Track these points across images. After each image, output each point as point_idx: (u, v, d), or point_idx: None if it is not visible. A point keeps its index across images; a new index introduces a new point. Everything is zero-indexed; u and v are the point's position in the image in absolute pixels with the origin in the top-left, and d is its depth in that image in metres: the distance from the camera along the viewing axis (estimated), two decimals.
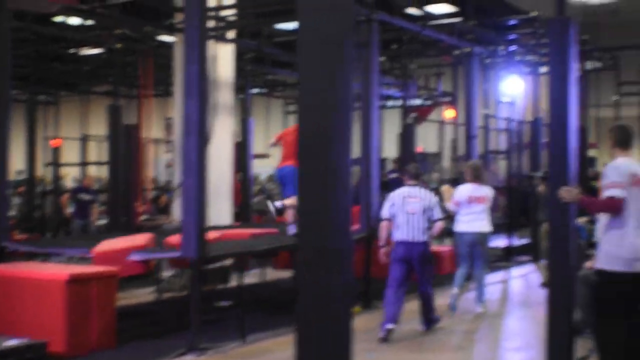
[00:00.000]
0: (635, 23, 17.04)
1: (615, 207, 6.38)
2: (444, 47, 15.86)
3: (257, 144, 20.77)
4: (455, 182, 14.64)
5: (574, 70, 7.51)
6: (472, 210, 10.59)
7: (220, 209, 13.66)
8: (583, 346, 7.81)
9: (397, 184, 19.06)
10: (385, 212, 9.40)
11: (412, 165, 9.97)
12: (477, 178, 10.74)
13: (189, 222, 8.30)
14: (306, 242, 4.62)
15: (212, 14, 13.56)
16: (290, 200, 10.37)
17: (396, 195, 9.38)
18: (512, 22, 18.30)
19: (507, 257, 15.81)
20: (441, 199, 10.86)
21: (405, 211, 9.22)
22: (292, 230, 10.55)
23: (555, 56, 7.45)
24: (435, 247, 14.73)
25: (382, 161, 24.70)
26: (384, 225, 9.41)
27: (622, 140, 6.57)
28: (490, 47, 16.19)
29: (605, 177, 6.50)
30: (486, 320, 10.49)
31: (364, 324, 9.81)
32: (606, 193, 6.45)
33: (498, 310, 11.17)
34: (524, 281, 13.59)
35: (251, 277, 13.47)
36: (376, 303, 11.10)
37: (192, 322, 8.32)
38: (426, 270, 9.32)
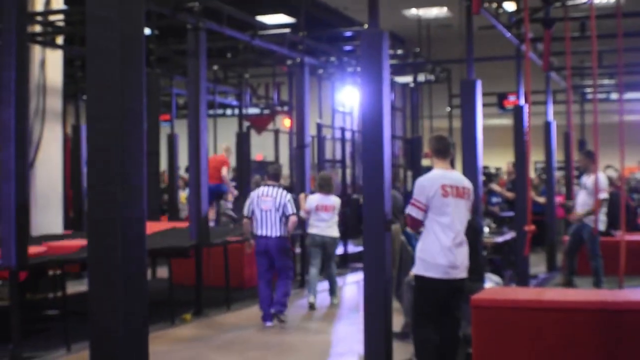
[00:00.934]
0: (463, 36, 17.70)
1: (412, 226, 6.74)
2: (280, 57, 15.98)
3: None
4: (288, 189, 14.80)
5: (387, 82, 7.71)
6: (321, 217, 11.72)
7: (50, 217, 13.34)
8: (407, 350, 8.05)
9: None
10: (245, 210, 10.57)
11: (271, 167, 11.02)
12: (324, 188, 11.82)
13: (7, 231, 8.07)
14: (96, 256, 4.57)
15: (39, 19, 13.22)
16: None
17: (254, 194, 10.56)
18: (346, 34, 18.71)
19: (343, 264, 16.05)
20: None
21: (260, 208, 10.32)
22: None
23: (367, 68, 7.64)
24: None
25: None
26: (245, 222, 10.58)
27: (439, 150, 6.81)
28: (322, 58, 16.42)
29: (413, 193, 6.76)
30: (316, 322, 10.72)
31: (195, 331, 10.02)
32: (407, 209, 6.73)
33: (330, 314, 11.36)
34: (358, 287, 13.83)
35: (85, 286, 13.18)
36: (208, 311, 11.12)
37: (13, 331, 8.14)
38: (283, 261, 10.35)
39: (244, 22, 13.60)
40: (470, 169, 10.55)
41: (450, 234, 6.52)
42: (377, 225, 7.53)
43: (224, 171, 15.90)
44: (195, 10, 11.13)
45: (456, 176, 6.74)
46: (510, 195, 15.84)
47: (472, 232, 7.81)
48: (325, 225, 11.75)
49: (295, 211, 10.39)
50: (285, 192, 10.49)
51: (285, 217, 10.30)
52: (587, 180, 12.06)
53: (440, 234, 6.54)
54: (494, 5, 12.65)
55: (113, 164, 4.52)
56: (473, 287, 7.64)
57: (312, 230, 11.85)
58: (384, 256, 7.54)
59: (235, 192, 14.04)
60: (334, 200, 11.89)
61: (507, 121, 27.68)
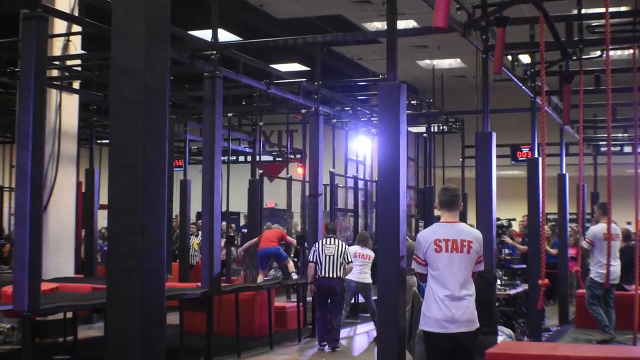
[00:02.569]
0: (478, 88, 17.82)
1: (420, 279, 6.74)
2: (294, 105, 16.09)
3: (103, 195, 20.38)
4: (302, 239, 14.82)
5: (404, 133, 7.77)
6: (358, 263, 13.15)
7: (61, 261, 13.36)
8: None
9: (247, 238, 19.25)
10: (310, 256, 12.61)
11: (329, 223, 13.78)
12: (362, 242, 13.72)
13: (21, 274, 8.08)
14: (115, 305, 4.58)
15: (57, 63, 13.35)
16: None
17: (317, 244, 12.57)
18: (360, 83, 18.82)
19: (354, 314, 15.99)
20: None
21: (325, 254, 12.33)
22: None
23: (385, 119, 7.70)
24: (280, 303, 14.93)
25: (235, 215, 24.96)
26: (310, 266, 12.62)
27: (443, 202, 6.77)
28: (336, 108, 16.52)
29: None
30: None
31: None
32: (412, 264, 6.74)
33: None
34: (369, 338, 13.76)
35: (95, 331, 13.19)
36: (218, 359, 11.08)
37: None
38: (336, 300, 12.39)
39: (259, 70, 13.71)
40: (484, 221, 10.54)
41: (444, 289, 6.49)
42: (392, 275, 7.53)
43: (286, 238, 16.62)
44: (213, 59, 11.23)
45: (458, 228, 6.65)
46: (523, 249, 15.79)
47: (486, 284, 7.81)
48: (360, 270, 13.27)
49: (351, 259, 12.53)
50: (344, 242, 12.81)
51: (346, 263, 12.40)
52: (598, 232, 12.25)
53: (435, 288, 6.53)
54: (509, 57, 12.76)
55: (134, 214, 4.55)
56: (485, 341, 7.60)
57: (349, 276, 12.91)
58: (398, 306, 7.53)
59: (291, 266, 14.69)
60: (370, 252, 13.54)
61: (519, 172, 27.76)
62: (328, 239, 12.53)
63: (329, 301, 12.30)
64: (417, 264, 6.68)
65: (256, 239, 15.98)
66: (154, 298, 4.63)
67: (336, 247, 12.36)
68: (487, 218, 10.59)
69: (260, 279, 14.91)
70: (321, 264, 12.27)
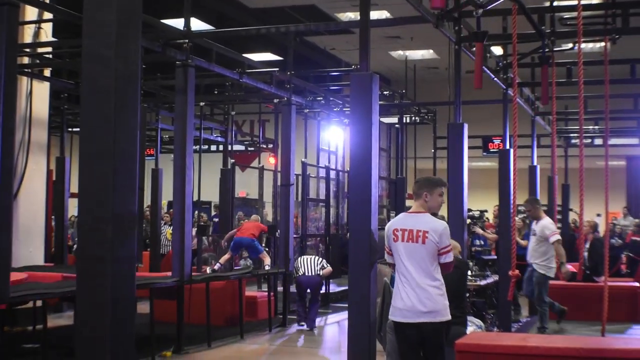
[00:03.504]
0: (450, 79, 17.87)
1: (393, 269, 6.78)
2: (266, 95, 16.06)
3: (74, 183, 20.26)
4: (273, 228, 14.81)
5: (376, 125, 7.79)
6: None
7: (31, 249, 13.29)
8: None
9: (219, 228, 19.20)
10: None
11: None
12: None
13: None
14: (85, 293, 4.56)
15: (28, 50, 13.24)
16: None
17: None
18: (333, 74, 18.82)
19: (325, 303, 16.02)
20: None
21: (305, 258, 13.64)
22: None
23: (357, 110, 7.71)
24: (251, 292, 14.96)
25: (207, 205, 24.90)
26: None
27: (413, 192, 6.83)
28: (309, 97, 16.50)
29: None
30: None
31: None
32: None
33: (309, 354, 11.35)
34: (339, 328, 13.81)
35: (64, 319, 13.14)
36: (188, 348, 11.07)
37: None
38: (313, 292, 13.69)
39: (232, 59, 13.67)
40: (455, 212, 10.60)
41: (404, 278, 6.54)
42: (362, 265, 7.55)
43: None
44: (185, 47, 11.19)
45: (417, 219, 6.66)
46: (493, 237, 15.87)
47: (458, 275, 7.84)
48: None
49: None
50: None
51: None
52: (536, 226, 12.37)
53: (397, 278, 6.61)
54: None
55: (104, 202, 4.53)
56: (455, 331, 7.64)
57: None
58: (369, 296, 7.56)
59: (268, 261, 14.57)
60: None
61: (490, 164, 27.88)
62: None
63: (307, 291, 13.56)
64: (386, 253, 6.76)
65: (236, 230, 15.99)
66: (125, 287, 4.62)
67: (314, 256, 14.07)
68: (458, 209, 10.64)
69: (223, 260, 14.71)
70: (303, 266, 13.48)
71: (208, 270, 13.98)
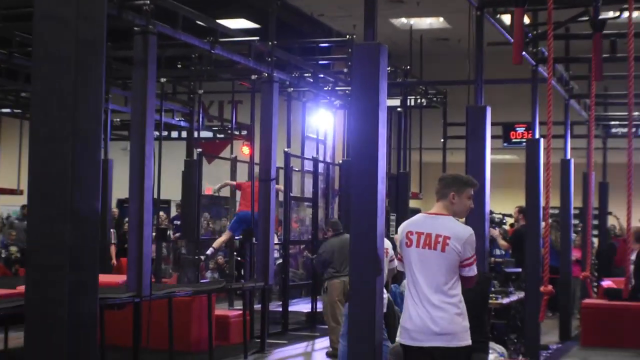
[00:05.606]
0: (465, 54, 17.73)
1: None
2: (241, 70, 15.95)
3: (6, 176, 20.16)
4: (249, 233, 14.76)
5: (384, 105, 7.75)
6: None
7: None
8: None
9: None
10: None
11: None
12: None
13: None
14: (36, 312, 4.49)
15: None
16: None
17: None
18: (323, 45, 18.72)
19: (311, 325, 16.05)
20: None
21: None
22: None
23: (361, 88, 7.67)
24: (222, 311, 14.92)
25: (166, 204, 24.82)
26: None
27: (436, 191, 6.80)
28: (294, 73, 16.39)
29: None
30: None
31: None
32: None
33: None
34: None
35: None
36: None
37: None
38: None
39: (199, 27, 13.55)
40: (476, 215, 10.58)
41: (412, 292, 6.53)
42: (366, 281, 7.52)
43: None
44: (146, 10, 11.07)
45: (436, 221, 6.63)
46: (504, 245, 15.92)
47: (478, 292, 7.84)
48: None
49: None
50: None
51: None
52: None
53: (407, 292, 6.60)
54: (505, 17, 12.78)
55: (61, 196, 4.46)
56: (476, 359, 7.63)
57: None
58: (375, 319, 7.54)
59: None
60: None
61: (511, 156, 27.96)
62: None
63: None
64: (398, 261, 6.74)
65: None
66: (86, 303, 4.56)
67: None
68: (479, 211, 10.63)
69: (218, 243, 14.81)
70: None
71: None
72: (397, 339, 6.73)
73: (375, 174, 7.61)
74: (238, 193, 17.16)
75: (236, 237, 16.21)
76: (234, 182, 16.34)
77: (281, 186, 15.97)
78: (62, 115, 4.51)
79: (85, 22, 4.53)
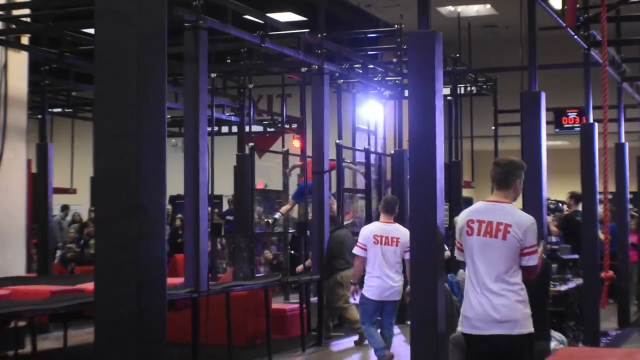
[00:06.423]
0: (513, 40, 17.63)
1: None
2: (290, 63, 15.94)
3: (60, 176, 20.28)
4: (303, 226, 14.76)
5: (440, 94, 7.70)
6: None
7: (9, 257, 13.31)
8: None
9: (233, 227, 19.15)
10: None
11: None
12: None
13: None
14: (105, 306, 4.50)
15: (1, 13, 13.23)
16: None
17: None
18: (372, 35, 18.64)
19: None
20: None
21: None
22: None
23: (418, 77, 7.62)
24: (278, 304, 14.92)
25: (218, 199, 24.88)
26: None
27: (493, 178, 6.72)
28: (344, 65, 16.34)
29: None
30: None
31: None
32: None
33: None
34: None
35: (50, 342, 13.16)
36: None
37: None
38: None
39: (248, 21, 13.55)
40: (532, 201, 10.49)
41: (473, 280, 6.54)
42: (427, 271, 7.48)
43: None
44: (195, 5, 11.06)
45: (498, 208, 6.50)
46: (555, 230, 15.79)
47: (539, 278, 7.76)
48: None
49: None
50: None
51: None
52: None
53: (468, 280, 6.64)
54: (554, 1, 12.65)
55: (129, 192, 4.46)
56: (539, 348, 7.57)
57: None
58: (437, 308, 7.50)
59: None
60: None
61: (562, 142, 27.73)
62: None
63: None
64: (457, 250, 6.69)
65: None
66: (154, 298, 4.56)
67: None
68: (537, 198, 10.55)
69: (285, 209, 14.94)
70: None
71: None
72: (459, 328, 6.69)
73: (434, 162, 7.57)
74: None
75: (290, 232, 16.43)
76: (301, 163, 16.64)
77: (333, 202, 15.89)
78: (127, 111, 4.51)
79: (148, 17, 4.53)
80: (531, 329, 6.49)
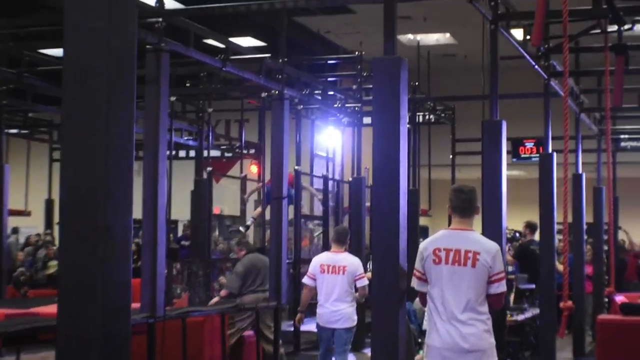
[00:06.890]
0: (472, 69, 17.72)
1: (420, 300, 6.71)
2: (250, 88, 15.90)
3: (15, 197, 20.08)
4: (260, 250, 14.66)
5: (405, 120, 7.68)
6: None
7: None
8: None
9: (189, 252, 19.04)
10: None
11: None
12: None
13: None
14: (69, 334, 4.39)
15: None
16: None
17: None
18: (332, 62, 18.66)
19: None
20: None
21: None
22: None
23: (383, 102, 7.59)
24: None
25: (174, 224, 24.72)
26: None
27: (456, 207, 6.66)
28: (304, 91, 16.32)
29: None
30: None
31: None
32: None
33: None
34: None
35: None
36: None
37: None
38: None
39: (209, 45, 13.50)
40: (492, 231, 10.48)
41: (440, 309, 6.51)
42: (389, 298, 7.43)
43: None
44: (158, 27, 10.98)
45: (464, 236, 6.49)
46: (510, 259, 15.82)
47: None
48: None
49: None
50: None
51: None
52: None
53: (434, 310, 6.63)
54: (517, 30, 12.70)
55: (95, 213, 4.36)
56: None
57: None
58: (397, 336, 7.45)
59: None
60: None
61: (519, 172, 27.85)
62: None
63: None
64: (416, 279, 6.63)
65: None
66: (119, 322, 4.46)
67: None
68: (496, 226, 10.54)
69: (257, 213, 15.00)
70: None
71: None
72: (422, 357, 6.63)
73: (397, 188, 7.54)
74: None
75: None
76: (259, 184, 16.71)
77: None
78: (95, 130, 4.42)
79: (118, 32, 4.45)
80: (496, 359, 6.47)
